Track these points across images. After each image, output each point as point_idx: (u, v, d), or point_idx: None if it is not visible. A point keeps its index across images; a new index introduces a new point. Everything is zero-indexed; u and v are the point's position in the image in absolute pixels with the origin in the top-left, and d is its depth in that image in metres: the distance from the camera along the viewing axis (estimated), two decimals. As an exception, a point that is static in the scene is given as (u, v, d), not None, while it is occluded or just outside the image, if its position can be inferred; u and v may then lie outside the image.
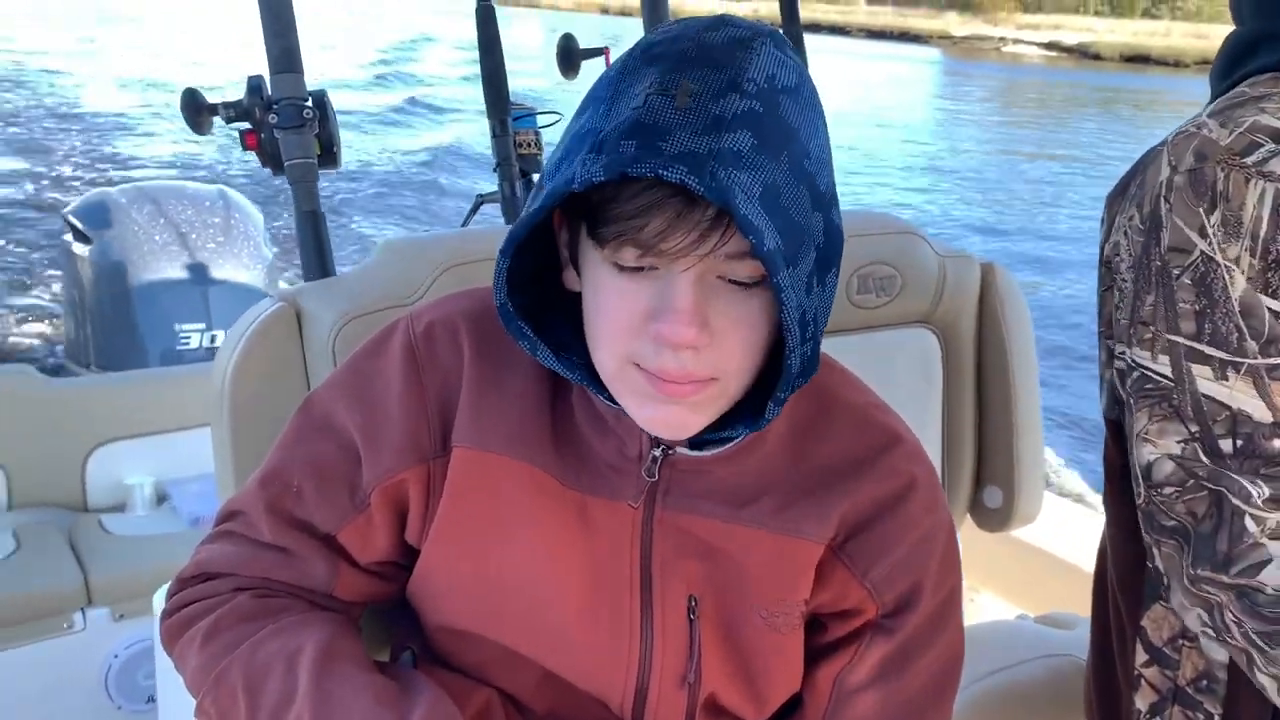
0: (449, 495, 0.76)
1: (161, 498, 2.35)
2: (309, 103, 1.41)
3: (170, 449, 2.39)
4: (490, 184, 1.99)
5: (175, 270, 3.20)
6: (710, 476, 0.77)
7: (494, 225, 1.73)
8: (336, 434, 0.78)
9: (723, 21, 0.67)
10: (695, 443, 0.74)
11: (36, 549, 2.08)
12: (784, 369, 0.67)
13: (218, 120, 1.50)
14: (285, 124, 1.40)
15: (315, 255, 1.40)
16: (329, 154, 1.45)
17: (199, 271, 3.23)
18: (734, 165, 0.60)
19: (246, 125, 1.45)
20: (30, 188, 9.51)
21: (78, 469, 2.29)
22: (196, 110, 1.46)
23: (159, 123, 13.42)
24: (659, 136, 0.60)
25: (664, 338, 0.64)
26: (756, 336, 0.68)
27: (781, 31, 0.69)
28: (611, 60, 1.77)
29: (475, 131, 13.41)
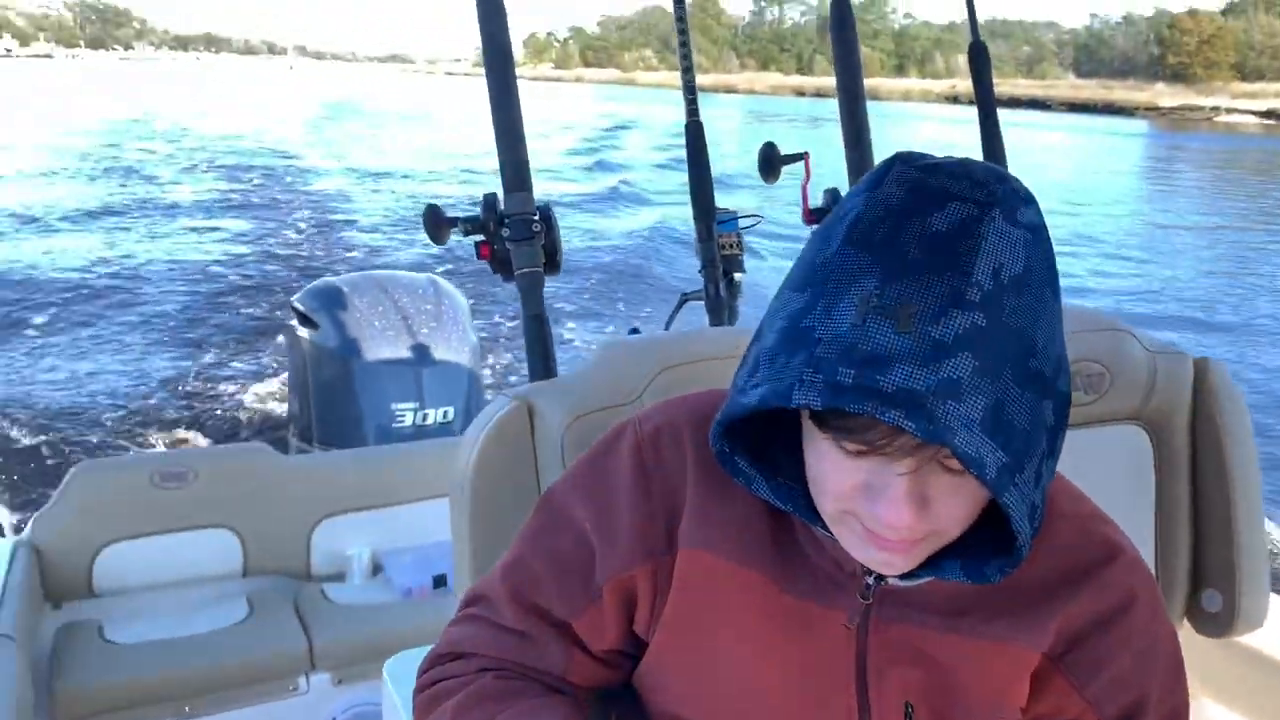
0: (674, 594, 0.80)
1: (377, 568, 2.50)
2: (537, 216, 1.53)
3: (385, 523, 2.55)
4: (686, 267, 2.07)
5: (391, 353, 3.43)
6: (926, 587, 0.78)
7: (703, 325, 1.81)
8: (573, 529, 0.83)
9: (949, 194, 0.64)
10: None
11: (267, 615, 2.25)
12: (1014, 552, 0.68)
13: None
14: (516, 237, 1.52)
15: (540, 356, 1.49)
16: (552, 261, 1.56)
17: (413, 354, 3.46)
18: (953, 397, 0.60)
19: (481, 237, 1.58)
20: (259, 256, 10.57)
21: (304, 540, 2.47)
22: (437, 224, 1.60)
23: (376, 199, 14.74)
24: (878, 369, 0.61)
25: (881, 521, 0.66)
26: (976, 504, 0.68)
27: (1016, 185, 0.66)
28: (811, 166, 1.85)
29: (674, 215, 13.87)
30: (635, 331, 2.04)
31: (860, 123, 1.92)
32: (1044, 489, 0.67)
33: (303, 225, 12.66)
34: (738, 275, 1.92)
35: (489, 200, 1.57)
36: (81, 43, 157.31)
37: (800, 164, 1.86)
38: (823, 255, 0.67)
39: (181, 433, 5.49)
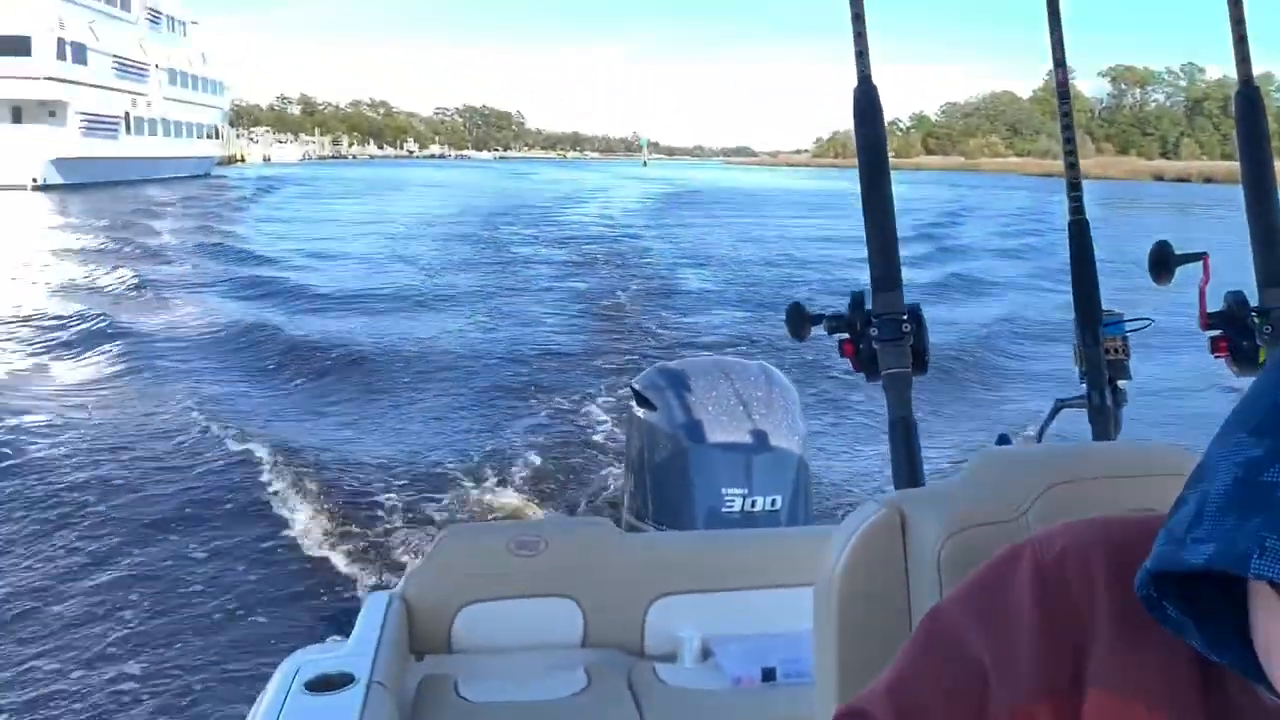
0: None
1: (706, 652, 2.52)
2: (906, 317, 1.50)
3: (716, 607, 2.57)
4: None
5: (724, 438, 3.49)
6: None
7: (1086, 437, 1.69)
8: (965, 652, 0.78)
9: None
10: None
11: (603, 688, 2.32)
12: None
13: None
14: (885, 337, 1.51)
15: (906, 461, 1.45)
16: (920, 362, 1.52)
17: (744, 441, 3.49)
18: None
19: (845, 335, 1.56)
20: (597, 325, 11.38)
21: (640, 617, 2.53)
22: (800, 320, 1.62)
23: (698, 277, 15.52)
24: None
25: None
26: None
27: None
28: (1209, 268, 1.69)
29: (1019, 304, 13.27)
30: (1004, 439, 1.93)
31: (1271, 222, 1.72)
32: None
33: (633, 288, 14.13)
34: (1122, 382, 1.77)
35: (856, 298, 1.56)
36: (469, 144, 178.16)
37: (1199, 265, 1.70)
38: None
39: (524, 500, 5.89)
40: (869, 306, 1.54)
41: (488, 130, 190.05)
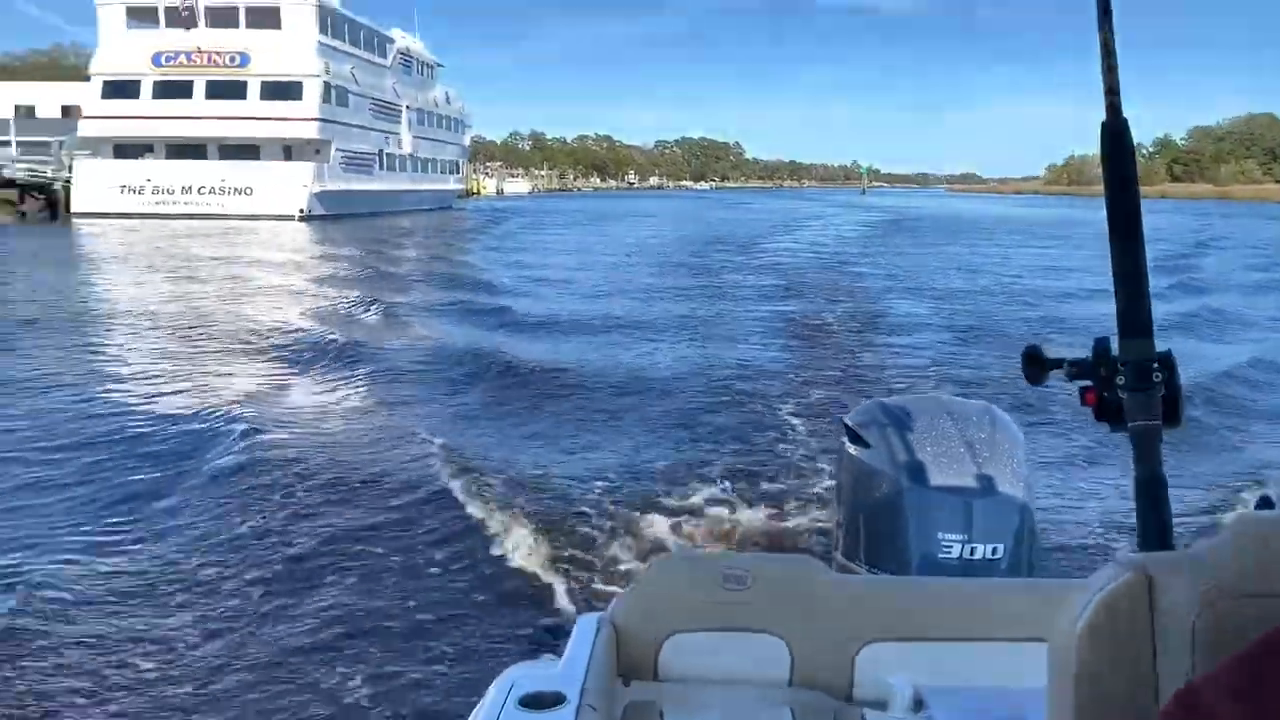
0: None
1: (919, 704, 2.43)
2: (1156, 364, 1.41)
3: (930, 657, 2.47)
4: None
5: (943, 480, 3.36)
6: None
7: None
8: None
9: None
10: None
11: None
12: None
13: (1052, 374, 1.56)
14: (1132, 385, 1.42)
15: (1155, 521, 1.36)
16: (1173, 413, 1.43)
17: (965, 485, 3.35)
18: None
19: (1088, 383, 1.48)
20: (804, 352, 11.24)
21: (848, 660, 2.47)
22: (1038, 365, 1.54)
23: (907, 303, 15.30)
24: None
25: None
26: None
27: None
28: None
29: (1273, 345, 12.18)
30: (1267, 502, 1.76)
31: None
32: None
33: (841, 312, 14.33)
34: None
35: (1100, 344, 1.47)
36: (687, 175, 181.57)
37: None
38: None
39: (728, 524, 5.86)
40: (1114, 352, 1.44)
41: (705, 162, 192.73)
